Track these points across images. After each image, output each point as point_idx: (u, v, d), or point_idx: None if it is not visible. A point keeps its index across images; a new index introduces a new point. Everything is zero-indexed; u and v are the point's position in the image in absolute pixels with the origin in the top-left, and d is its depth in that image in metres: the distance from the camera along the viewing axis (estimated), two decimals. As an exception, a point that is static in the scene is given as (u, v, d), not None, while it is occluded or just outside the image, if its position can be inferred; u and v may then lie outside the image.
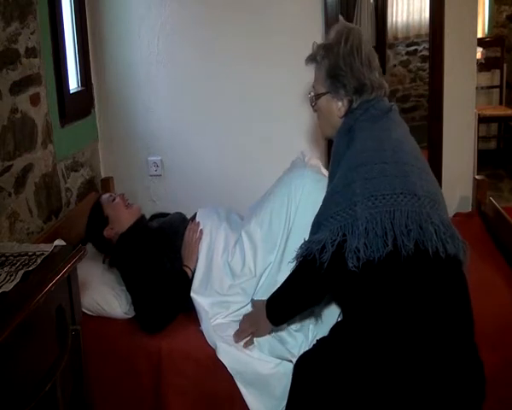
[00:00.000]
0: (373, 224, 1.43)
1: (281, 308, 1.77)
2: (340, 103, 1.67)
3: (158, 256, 2.07)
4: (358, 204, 1.46)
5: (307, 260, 1.54)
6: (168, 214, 2.41)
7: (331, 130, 1.73)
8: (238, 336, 1.86)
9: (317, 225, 1.58)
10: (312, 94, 1.76)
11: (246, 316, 1.91)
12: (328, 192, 1.63)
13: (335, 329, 1.66)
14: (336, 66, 1.64)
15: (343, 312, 1.72)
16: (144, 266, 2.02)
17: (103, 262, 2.23)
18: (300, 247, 1.60)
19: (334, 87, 1.66)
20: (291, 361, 1.76)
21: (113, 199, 2.19)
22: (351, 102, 1.65)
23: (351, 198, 1.48)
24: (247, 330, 1.86)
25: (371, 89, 1.64)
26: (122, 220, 2.15)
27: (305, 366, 1.63)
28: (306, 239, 1.60)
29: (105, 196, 2.22)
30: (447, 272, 1.49)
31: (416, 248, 1.43)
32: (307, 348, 1.76)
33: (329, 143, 2.76)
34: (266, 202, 2.06)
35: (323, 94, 1.70)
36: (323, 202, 1.62)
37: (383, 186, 1.47)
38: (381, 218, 1.44)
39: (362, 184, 1.48)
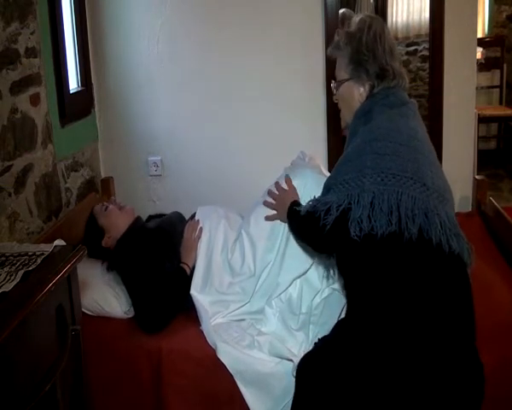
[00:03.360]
0: (379, 200, 1.46)
1: (294, 223, 1.84)
2: (361, 89, 1.68)
3: (157, 256, 2.07)
4: (367, 177, 1.48)
5: (314, 217, 1.58)
6: (165, 215, 2.41)
7: (352, 117, 1.73)
8: (265, 203, 2.01)
9: (328, 187, 1.62)
10: (334, 82, 1.77)
11: (280, 196, 1.98)
12: (341, 159, 1.65)
13: (337, 328, 1.66)
14: (359, 51, 1.66)
15: (347, 303, 1.72)
16: (144, 267, 2.01)
17: (102, 263, 2.22)
18: (308, 202, 1.67)
19: (357, 72, 1.67)
20: (291, 360, 1.76)
21: (106, 208, 2.20)
22: (372, 87, 1.67)
23: (361, 170, 1.51)
24: (274, 206, 1.99)
25: (392, 75, 1.66)
26: (118, 225, 2.16)
27: (308, 367, 1.62)
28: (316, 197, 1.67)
29: (97, 207, 2.23)
30: (450, 269, 1.49)
31: (420, 236, 1.44)
32: (308, 347, 1.77)
33: (330, 143, 2.78)
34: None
35: (346, 80, 1.71)
36: (336, 166, 1.65)
37: (394, 165, 1.49)
38: (388, 196, 1.45)
39: (373, 158, 1.50)
